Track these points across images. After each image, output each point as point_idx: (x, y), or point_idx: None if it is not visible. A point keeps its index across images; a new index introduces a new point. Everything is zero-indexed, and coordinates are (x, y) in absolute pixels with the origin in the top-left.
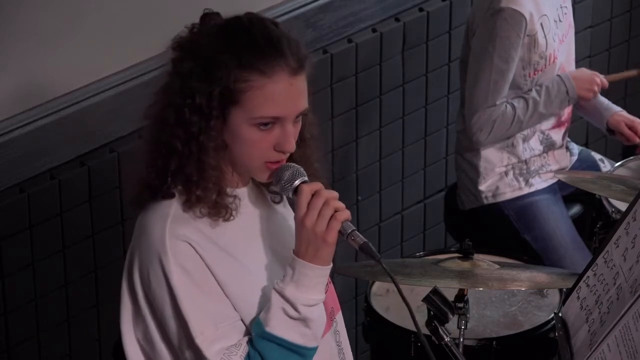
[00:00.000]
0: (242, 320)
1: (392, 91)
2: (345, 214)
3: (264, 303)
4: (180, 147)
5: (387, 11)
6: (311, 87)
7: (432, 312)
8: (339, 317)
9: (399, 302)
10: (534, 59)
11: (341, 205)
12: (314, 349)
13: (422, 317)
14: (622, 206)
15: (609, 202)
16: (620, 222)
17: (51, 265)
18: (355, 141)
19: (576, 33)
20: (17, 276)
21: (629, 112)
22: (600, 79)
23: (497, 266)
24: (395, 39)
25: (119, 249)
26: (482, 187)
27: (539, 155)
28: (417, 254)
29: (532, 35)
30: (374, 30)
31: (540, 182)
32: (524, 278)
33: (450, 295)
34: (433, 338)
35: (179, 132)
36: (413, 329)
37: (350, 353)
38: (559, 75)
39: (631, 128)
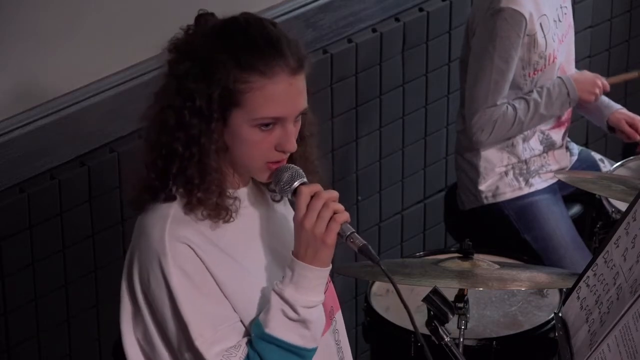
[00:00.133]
0: (241, 321)
1: (392, 91)
2: (345, 215)
3: (264, 304)
4: (181, 150)
5: (387, 11)
6: (311, 87)
7: (432, 312)
8: (339, 316)
9: (399, 302)
10: (533, 59)
11: (340, 207)
12: (313, 350)
13: (422, 317)
14: (622, 206)
15: (609, 202)
16: (620, 222)
17: (51, 265)
18: (355, 141)
19: (576, 33)
20: (17, 276)
21: (630, 111)
22: (602, 82)
23: (497, 266)
24: (395, 39)
25: (119, 249)
26: (482, 187)
27: (539, 155)
28: (417, 254)
29: (531, 35)
30: (374, 30)
31: (540, 182)
32: (524, 278)
33: (450, 295)
34: (433, 338)
35: (179, 135)
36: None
37: (350, 352)
38: (560, 77)
39: (632, 126)
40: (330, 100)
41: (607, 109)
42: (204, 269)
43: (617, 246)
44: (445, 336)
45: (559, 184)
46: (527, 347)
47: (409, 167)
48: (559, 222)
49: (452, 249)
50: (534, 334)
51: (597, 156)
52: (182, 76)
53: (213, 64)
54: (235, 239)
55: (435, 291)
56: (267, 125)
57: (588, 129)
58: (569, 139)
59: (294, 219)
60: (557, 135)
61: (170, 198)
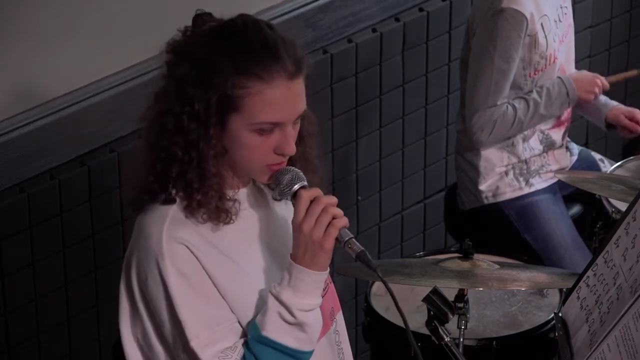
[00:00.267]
0: (239, 322)
1: (392, 91)
2: (343, 221)
3: (261, 306)
4: (180, 154)
5: (387, 11)
6: (311, 87)
7: (432, 312)
8: (339, 316)
9: None
10: (534, 59)
11: (339, 212)
12: (310, 353)
13: (422, 317)
14: (622, 206)
15: (609, 202)
16: (620, 222)
17: (51, 265)
18: (355, 141)
19: (576, 33)
20: (17, 276)
21: None
22: (601, 81)
23: (497, 266)
24: (395, 39)
25: (119, 249)
26: (482, 187)
27: (539, 155)
28: (417, 254)
29: (532, 36)
30: (374, 30)
31: (540, 182)
32: (524, 278)
33: (450, 295)
34: (433, 338)
35: (178, 139)
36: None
37: (350, 353)
38: (559, 77)
39: (631, 119)
40: (330, 100)
41: (604, 107)
42: (202, 270)
43: (617, 246)
44: (445, 336)
45: (559, 184)
46: (527, 347)
47: (409, 167)
48: (559, 222)
49: (452, 249)
50: (534, 334)
51: (597, 156)
52: (180, 79)
53: (211, 68)
54: (235, 240)
55: (435, 291)
56: (265, 129)
57: (588, 129)
58: (569, 139)
59: (293, 222)
60: (557, 134)
61: (170, 201)
